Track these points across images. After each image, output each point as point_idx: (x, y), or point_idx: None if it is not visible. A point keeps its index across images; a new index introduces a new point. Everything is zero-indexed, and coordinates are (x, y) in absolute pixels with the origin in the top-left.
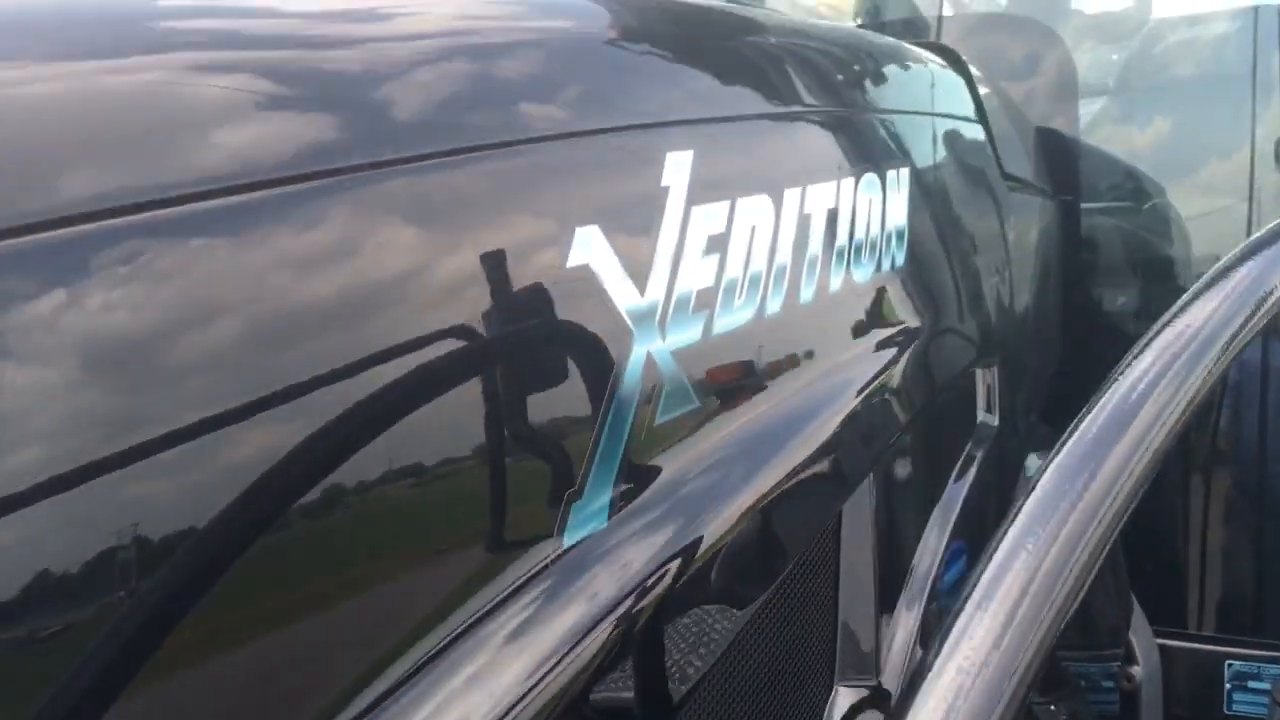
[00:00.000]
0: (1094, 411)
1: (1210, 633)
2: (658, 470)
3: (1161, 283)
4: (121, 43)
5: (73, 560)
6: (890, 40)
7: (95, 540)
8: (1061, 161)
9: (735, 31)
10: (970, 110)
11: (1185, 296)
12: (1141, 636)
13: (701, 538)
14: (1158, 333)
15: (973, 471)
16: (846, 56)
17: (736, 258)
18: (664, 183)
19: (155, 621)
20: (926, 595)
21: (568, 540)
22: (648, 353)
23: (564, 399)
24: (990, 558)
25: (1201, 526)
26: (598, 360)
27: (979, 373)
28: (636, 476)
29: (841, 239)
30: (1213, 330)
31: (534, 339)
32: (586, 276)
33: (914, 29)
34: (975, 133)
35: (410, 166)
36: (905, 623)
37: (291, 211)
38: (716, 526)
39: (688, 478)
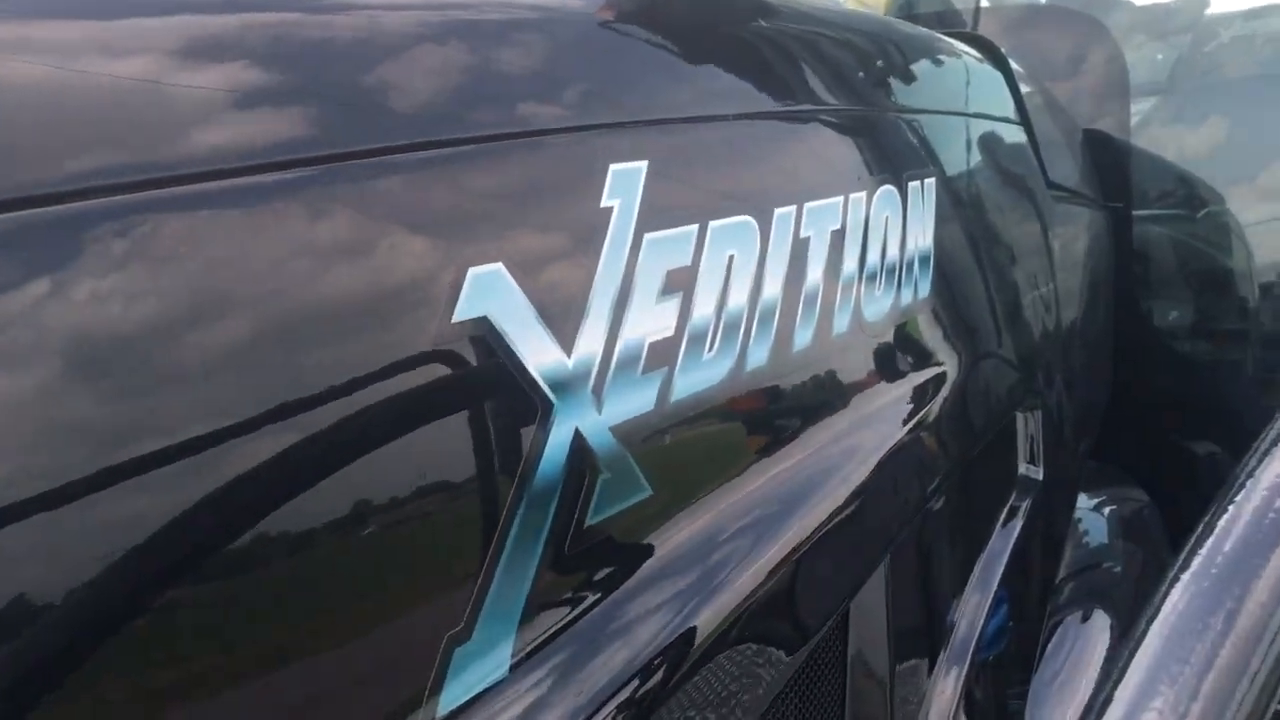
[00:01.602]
0: (1222, 525)
1: None
2: (589, 591)
3: (1222, 298)
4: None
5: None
6: (916, 29)
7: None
8: (1112, 167)
9: (708, 9)
10: (1010, 110)
11: None
12: None
13: (652, 685)
14: None
15: (1015, 531)
16: (861, 44)
17: (706, 298)
18: (604, 203)
19: None
20: (969, 660)
21: (447, 702)
22: (575, 431)
23: (446, 502)
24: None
25: None
26: (496, 447)
27: (1019, 418)
28: (555, 603)
29: (849, 268)
30: None
31: (399, 424)
32: (482, 333)
33: (948, 23)
34: (1016, 136)
35: (222, 185)
36: (943, 691)
37: None
38: (673, 666)
39: (633, 597)
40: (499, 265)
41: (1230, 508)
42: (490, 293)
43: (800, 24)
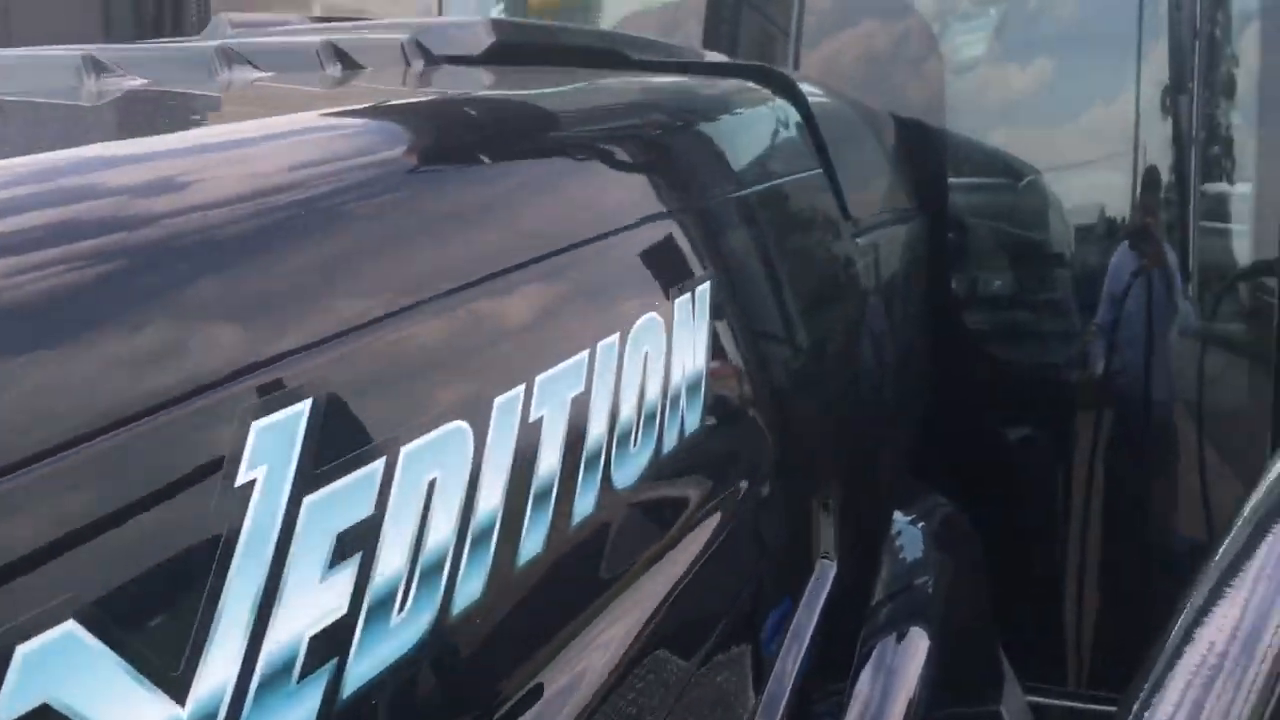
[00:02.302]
0: None
1: (1089, 689)
2: None
3: (1038, 272)
4: None
5: None
6: (704, 89)
7: None
8: (926, 156)
9: (407, 145)
10: (804, 153)
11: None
12: (1011, 700)
13: None
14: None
15: (807, 636)
16: (621, 143)
17: (395, 549)
18: (242, 478)
19: None
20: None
21: None
22: None
23: None
24: None
25: (1078, 565)
26: None
27: (817, 508)
28: None
29: (596, 434)
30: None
31: None
32: None
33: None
34: (810, 184)
35: None
36: None
37: None
38: None
39: None
40: (69, 625)
41: None
42: (53, 669)
43: (547, 131)
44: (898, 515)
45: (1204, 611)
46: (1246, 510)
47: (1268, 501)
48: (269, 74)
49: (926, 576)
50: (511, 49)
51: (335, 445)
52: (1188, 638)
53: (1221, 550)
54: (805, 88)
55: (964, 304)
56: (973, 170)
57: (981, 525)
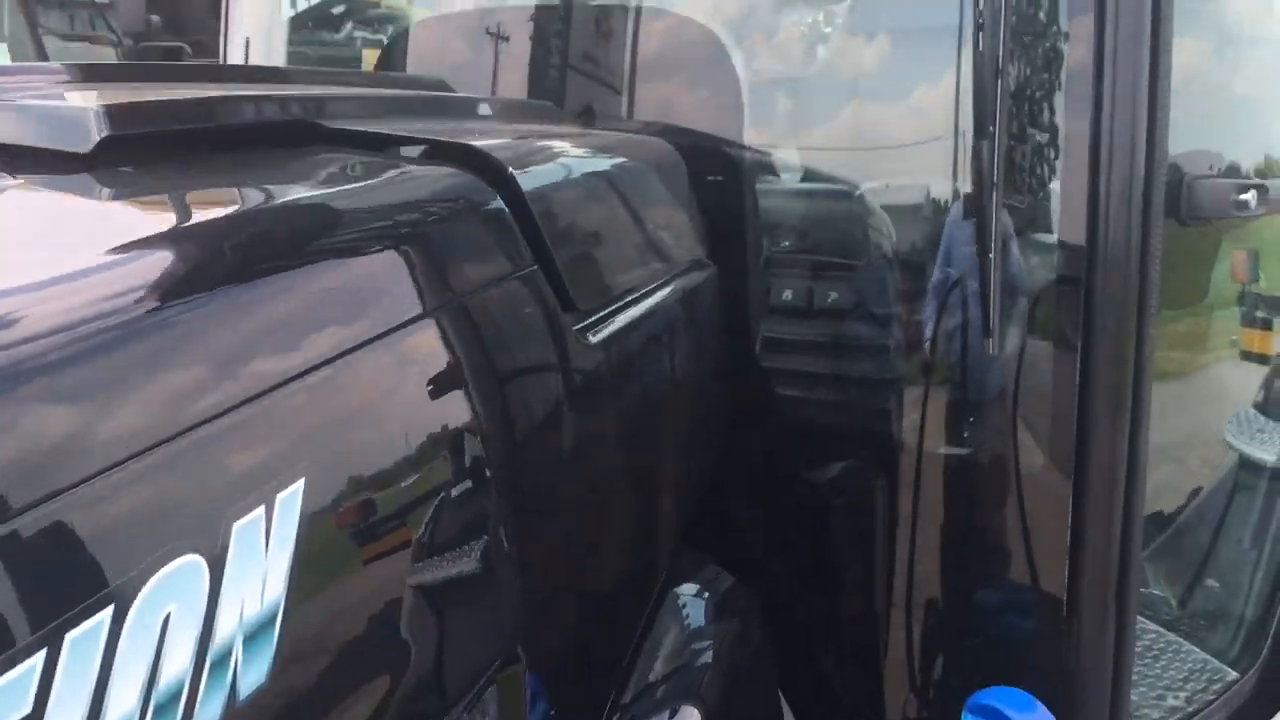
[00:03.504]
0: None
1: None
2: None
3: (841, 311)
4: None
5: None
6: (345, 197)
7: None
8: (720, 198)
9: None
10: (506, 252)
11: None
12: None
13: None
14: None
15: None
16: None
17: None
18: None
19: None
20: None
21: None
22: None
23: None
24: None
25: (875, 623)
26: None
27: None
28: None
29: None
30: None
31: None
32: None
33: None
34: (510, 288)
35: None
36: None
37: None
38: None
39: None
40: None
41: None
42: None
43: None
44: (678, 591)
45: None
46: None
47: None
48: None
49: (702, 653)
50: (141, 140)
51: None
52: None
53: None
54: (530, 164)
55: (751, 351)
56: (773, 202)
57: (775, 583)
